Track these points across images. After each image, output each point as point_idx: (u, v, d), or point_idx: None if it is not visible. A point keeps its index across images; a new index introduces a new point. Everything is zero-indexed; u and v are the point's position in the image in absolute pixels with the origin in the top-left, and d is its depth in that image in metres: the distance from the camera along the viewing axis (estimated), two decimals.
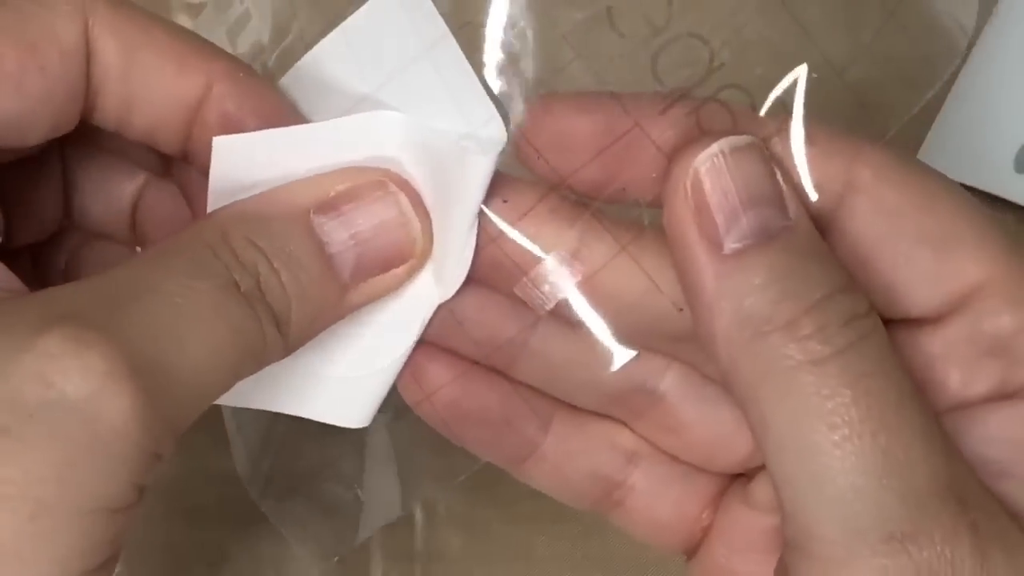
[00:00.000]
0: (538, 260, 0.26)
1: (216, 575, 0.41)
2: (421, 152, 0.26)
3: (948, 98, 0.41)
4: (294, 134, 0.27)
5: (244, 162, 0.27)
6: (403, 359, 0.28)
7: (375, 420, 0.29)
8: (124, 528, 0.23)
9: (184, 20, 0.43)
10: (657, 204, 0.25)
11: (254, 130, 0.27)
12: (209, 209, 0.27)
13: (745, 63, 0.24)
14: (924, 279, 0.24)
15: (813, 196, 0.24)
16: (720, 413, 0.28)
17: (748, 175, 0.24)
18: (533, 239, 0.26)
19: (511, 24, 0.25)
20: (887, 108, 0.25)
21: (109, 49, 0.27)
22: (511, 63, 0.25)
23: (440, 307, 0.27)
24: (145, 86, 0.27)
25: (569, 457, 0.29)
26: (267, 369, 0.27)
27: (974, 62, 0.41)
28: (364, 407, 0.28)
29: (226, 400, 0.27)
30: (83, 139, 0.30)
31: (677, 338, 0.27)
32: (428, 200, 0.27)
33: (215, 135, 0.27)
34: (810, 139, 0.25)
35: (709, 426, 0.28)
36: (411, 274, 0.27)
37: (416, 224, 0.27)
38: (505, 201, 0.26)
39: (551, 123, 0.25)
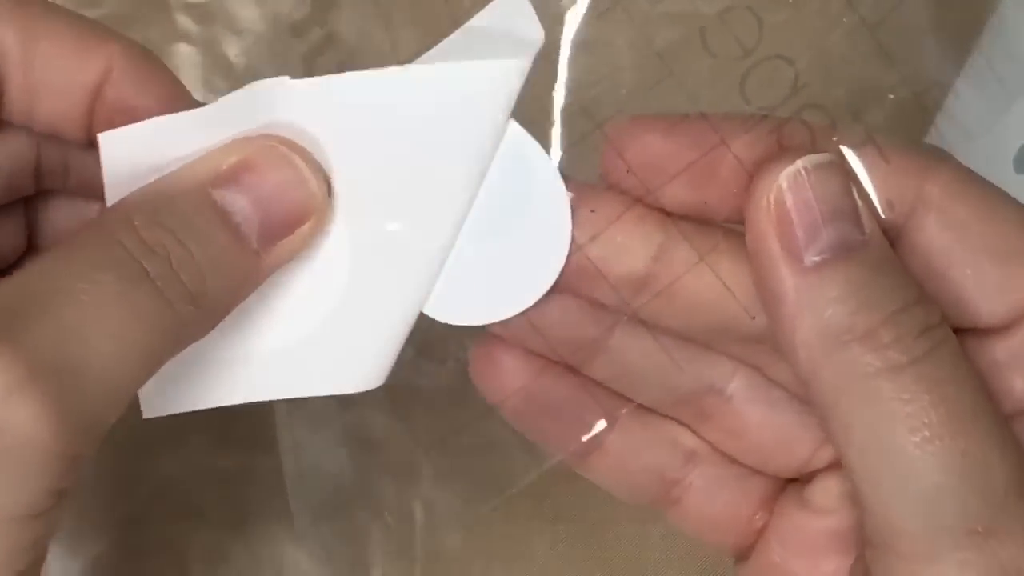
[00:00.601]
0: (622, 267, 0.27)
1: (216, 575, 0.41)
2: (351, 102, 0.27)
3: (948, 98, 0.42)
4: (182, 119, 0.27)
5: (136, 153, 0.27)
6: (394, 311, 0.28)
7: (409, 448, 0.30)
8: (46, 532, 0.23)
9: (184, 20, 0.43)
10: (736, 219, 0.26)
11: (153, 114, 0.27)
12: (108, 203, 0.27)
13: (827, 84, 0.26)
14: (990, 290, 0.26)
15: (882, 214, 0.26)
16: (783, 417, 0.29)
17: (828, 191, 0.25)
18: (619, 247, 0.27)
19: (609, 40, 0.26)
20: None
21: (9, 40, 0.27)
22: (608, 77, 0.26)
23: (522, 313, 0.28)
24: (47, 73, 0.27)
25: (632, 453, 0.30)
26: (202, 366, 0.27)
27: (974, 62, 0.42)
28: (370, 366, 0.28)
29: (180, 406, 0.28)
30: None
31: (746, 340, 0.28)
32: (367, 152, 0.27)
33: (116, 119, 0.27)
34: (884, 157, 0.26)
35: (771, 429, 0.29)
36: (316, 230, 0.27)
37: (313, 181, 0.27)
38: (593, 211, 0.27)
39: (641, 141, 0.26)
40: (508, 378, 0.29)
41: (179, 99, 0.28)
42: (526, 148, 0.27)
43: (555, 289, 0.27)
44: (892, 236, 0.26)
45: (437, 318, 0.28)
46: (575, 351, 0.29)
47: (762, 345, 0.28)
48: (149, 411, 0.29)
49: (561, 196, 0.27)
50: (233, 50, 0.43)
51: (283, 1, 0.42)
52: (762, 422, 0.29)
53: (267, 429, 0.40)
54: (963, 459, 0.23)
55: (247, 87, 0.27)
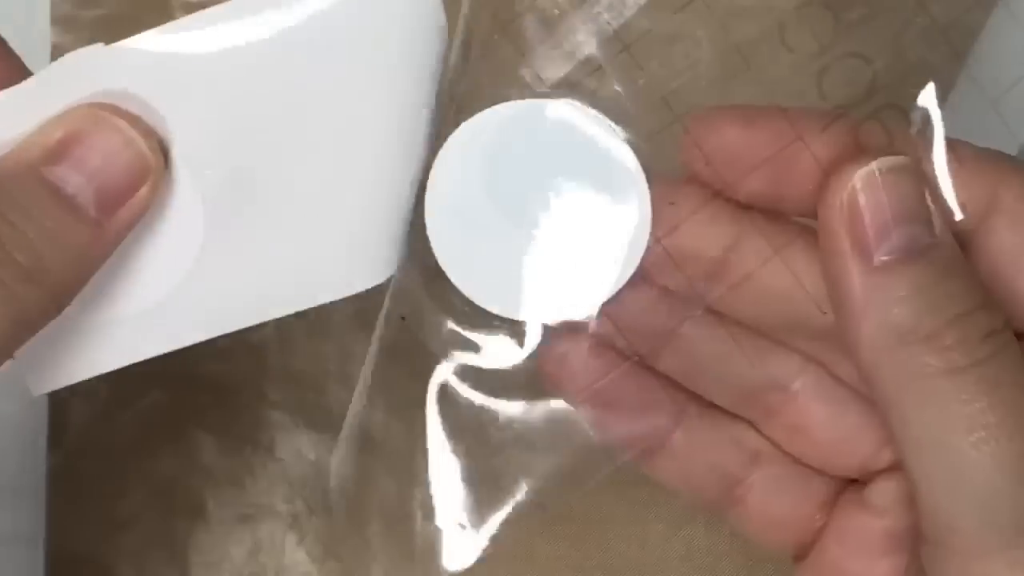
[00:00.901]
0: (698, 259, 0.27)
1: (216, 575, 0.42)
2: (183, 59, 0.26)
3: (948, 98, 0.42)
4: (6, 98, 0.27)
5: None
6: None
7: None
8: None
9: None
10: (811, 214, 0.27)
11: None
12: None
13: (904, 84, 0.26)
14: None
15: (958, 215, 0.26)
16: (847, 416, 0.29)
17: (900, 194, 0.25)
18: (696, 239, 0.27)
19: (688, 33, 0.26)
20: None
21: None
22: (687, 69, 0.26)
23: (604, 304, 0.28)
24: None
25: (697, 451, 0.30)
26: (81, 335, 0.28)
27: (975, 61, 0.41)
28: (262, 298, 0.28)
29: (69, 378, 0.28)
30: None
31: (814, 336, 0.28)
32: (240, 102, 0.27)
33: None
34: (958, 160, 0.26)
35: (834, 428, 0.30)
36: (156, 189, 0.27)
37: (141, 142, 0.27)
38: (672, 203, 0.27)
39: (720, 134, 0.27)
40: (580, 373, 0.29)
41: (15, 76, 0.28)
42: (608, 142, 0.27)
43: (632, 279, 0.28)
44: (962, 240, 0.26)
45: (512, 316, 0.29)
46: (648, 340, 0.29)
47: (829, 342, 0.28)
48: (36, 388, 0.29)
49: (643, 190, 0.27)
50: None
51: None
52: (826, 420, 0.30)
53: (267, 429, 0.41)
54: (1018, 461, 0.24)
55: (61, 59, 0.27)
